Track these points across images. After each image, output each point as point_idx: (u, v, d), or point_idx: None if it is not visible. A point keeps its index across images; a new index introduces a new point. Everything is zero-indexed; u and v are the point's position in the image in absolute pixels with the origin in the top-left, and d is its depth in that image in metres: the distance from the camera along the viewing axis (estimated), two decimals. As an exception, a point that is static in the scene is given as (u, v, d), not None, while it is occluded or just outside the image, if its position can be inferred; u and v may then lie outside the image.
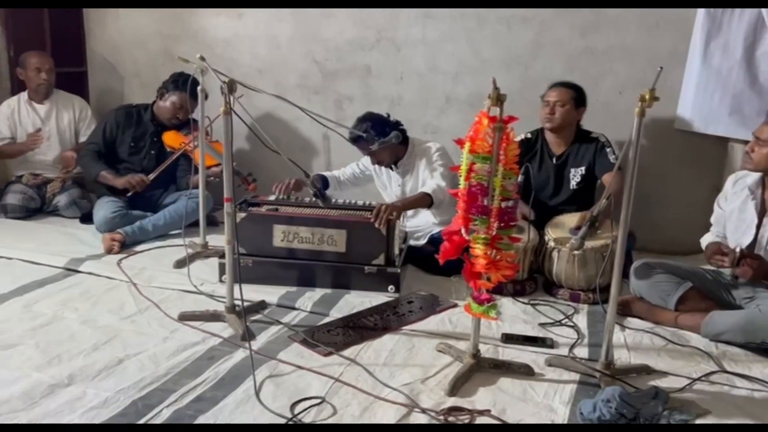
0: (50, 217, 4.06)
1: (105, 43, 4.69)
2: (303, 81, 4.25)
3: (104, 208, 3.69)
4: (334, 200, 3.20)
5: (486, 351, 2.44)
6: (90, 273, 3.15)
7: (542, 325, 2.74)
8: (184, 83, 3.58)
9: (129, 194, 3.74)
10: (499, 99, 2.03)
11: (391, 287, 3.00)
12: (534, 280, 3.17)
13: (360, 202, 3.26)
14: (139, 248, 3.52)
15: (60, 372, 2.21)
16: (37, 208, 4.07)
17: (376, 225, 2.97)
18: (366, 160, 3.58)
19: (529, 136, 3.44)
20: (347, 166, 3.66)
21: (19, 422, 1.93)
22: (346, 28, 4.08)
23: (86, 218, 3.90)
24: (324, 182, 3.52)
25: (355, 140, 3.30)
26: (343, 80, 4.17)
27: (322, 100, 4.19)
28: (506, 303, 2.94)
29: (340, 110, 4.17)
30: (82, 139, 4.21)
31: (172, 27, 4.43)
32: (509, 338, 2.56)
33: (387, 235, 2.99)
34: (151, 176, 3.76)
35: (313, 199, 3.06)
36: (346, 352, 2.41)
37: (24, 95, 4.17)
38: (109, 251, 3.42)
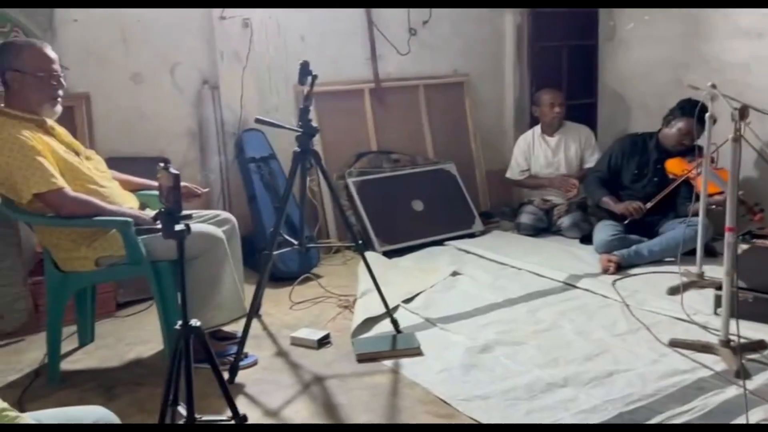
0: (554, 236, 4.47)
1: (615, 76, 4.95)
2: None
3: (603, 231, 3.92)
4: None
5: None
6: (586, 290, 3.38)
7: None
8: (691, 109, 3.54)
9: (626, 221, 3.87)
10: None
11: None
12: None
13: None
14: (633, 271, 3.62)
15: (557, 373, 2.47)
16: (544, 228, 4.55)
17: None
18: None
19: None
20: None
21: (519, 410, 2.24)
22: None
23: (586, 239, 4.19)
24: None
25: None
26: None
27: None
28: None
29: None
30: (586, 165, 4.53)
31: (684, 55, 4.42)
32: None
33: None
34: (648, 205, 3.82)
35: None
36: None
37: (537, 129, 4.68)
38: (605, 271, 3.61)
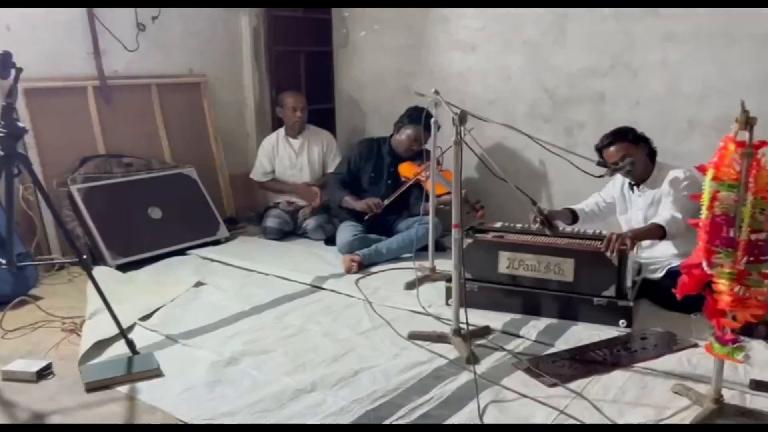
0: (300, 239, 4.48)
1: (350, 82, 5.13)
2: (532, 110, 4.25)
3: (345, 231, 4.03)
4: (561, 228, 3.16)
5: (731, 397, 2.22)
6: (332, 290, 3.43)
7: (802, 374, 2.42)
8: (418, 116, 3.78)
9: (367, 217, 4.02)
10: (748, 122, 1.88)
11: (622, 321, 2.86)
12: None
13: (590, 231, 3.16)
14: (374, 269, 3.76)
15: (304, 378, 2.44)
16: (290, 231, 4.54)
17: (608, 254, 2.86)
18: (608, 188, 3.47)
19: None
20: (590, 197, 3.54)
21: (269, 422, 2.17)
22: (579, 56, 4.01)
23: (330, 241, 4.27)
24: (574, 216, 3.44)
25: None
26: (574, 107, 4.10)
27: (552, 128, 4.15)
28: (757, 346, 2.64)
29: (570, 137, 4.10)
30: (329, 170, 4.62)
31: (411, 64, 4.71)
32: (760, 385, 2.30)
33: (619, 266, 2.87)
34: (386, 201, 4.03)
35: (539, 226, 3.04)
36: (572, 385, 2.35)
37: (281, 131, 4.69)
38: (348, 271, 3.71)
